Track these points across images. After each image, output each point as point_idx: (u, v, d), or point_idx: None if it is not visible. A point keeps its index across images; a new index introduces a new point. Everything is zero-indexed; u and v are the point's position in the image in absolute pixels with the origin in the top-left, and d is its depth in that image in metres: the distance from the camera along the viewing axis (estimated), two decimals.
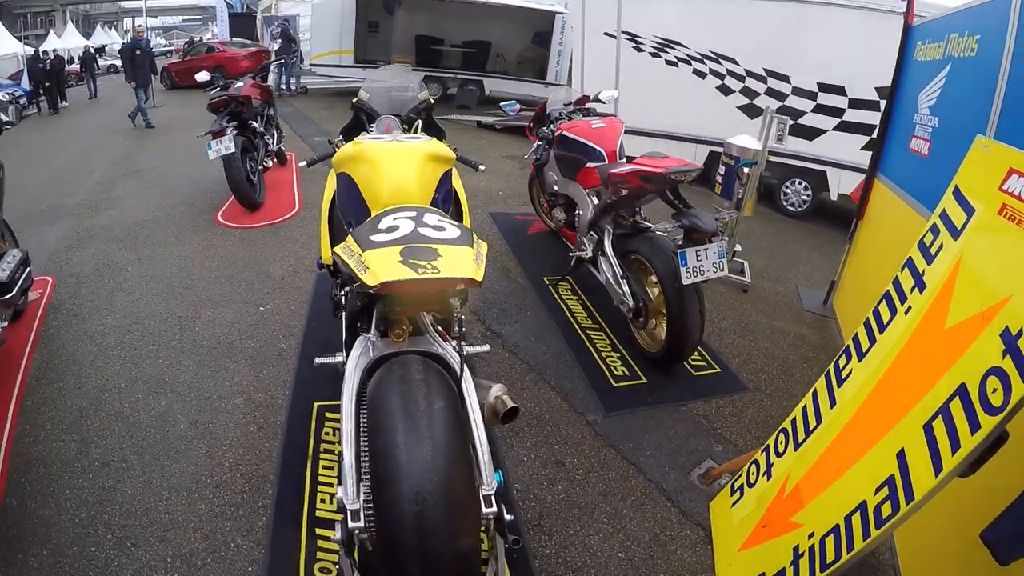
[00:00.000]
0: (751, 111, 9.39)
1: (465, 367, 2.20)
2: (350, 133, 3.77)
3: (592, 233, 4.90)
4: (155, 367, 4.33)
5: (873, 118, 8.00)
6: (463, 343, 2.18)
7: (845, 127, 8.79)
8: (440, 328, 2.56)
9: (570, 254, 5.23)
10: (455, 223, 2.19)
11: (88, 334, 4.77)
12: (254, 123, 7.79)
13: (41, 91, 20.18)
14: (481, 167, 3.65)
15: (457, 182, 3.49)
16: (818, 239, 8.34)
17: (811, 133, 9.11)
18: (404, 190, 2.62)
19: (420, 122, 3.69)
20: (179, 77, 20.91)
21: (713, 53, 9.69)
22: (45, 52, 22.95)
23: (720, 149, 9.38)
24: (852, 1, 8.49)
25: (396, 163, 2.69)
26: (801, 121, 9.05)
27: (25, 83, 21.39)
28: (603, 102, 5.92)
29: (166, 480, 3.27)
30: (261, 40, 23.75)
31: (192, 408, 3.89)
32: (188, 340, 4.68)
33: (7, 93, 19.18)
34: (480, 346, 2.67)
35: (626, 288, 4.41)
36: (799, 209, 9.66)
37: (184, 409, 3.88)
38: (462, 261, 1.96)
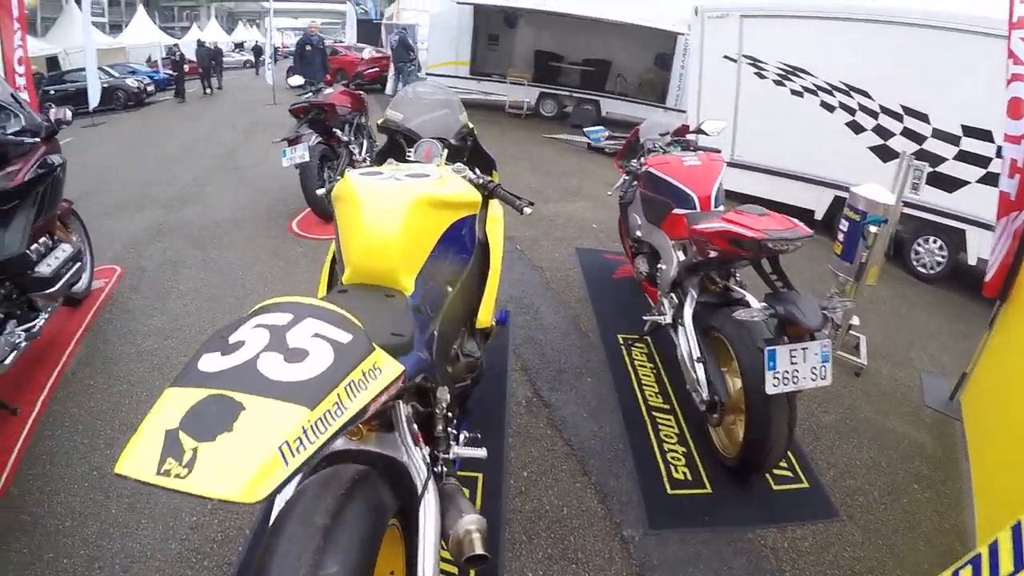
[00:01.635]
0: (883, 153, 8.29)
1: (431, 485, 1.67)
2: (385, 158, 3.27)
3: (673, 295, 4.18)
4: None
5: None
6: (447, 445, 1.72)
7: (991, 180, 7.44)
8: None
9: (646, 317, 4.44)
10: (340, 337, 1.37)
11: (132, 333, 4.73)
12: (339, 131, 7.49)
13: (175, 80, 22.64)
14: (527, 209, 2.70)
15: (493, 229, 3.01)
16: (952, 310, 7.08)
17: (951, 184, 7.76)
18: (379, 250, 2.04)
19: (463, 148, 3.27)
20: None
21: (844, 84, 8.60)
22: (203, 41, 26.12)
23: (846, 195, 8.38)
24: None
25: (378, 212, 2.08)
26: (940, 169, 7.75)
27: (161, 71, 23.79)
28: (707, 134, 5.08)
29: (149, 508, 3.10)
30: (384, 47, 24.05)
31: None
32: None
33: (138, 80, 21.02)
34: (473, 449, 2.13)
35: (701, 374, 3.57)
36: (932, 272, 8.21)
37: None
38: (239, 458, 1.06)
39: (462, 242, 2.53)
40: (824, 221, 8.78)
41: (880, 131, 8.33)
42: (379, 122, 3.36)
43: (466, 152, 3.28)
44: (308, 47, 13.71)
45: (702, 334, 3.69)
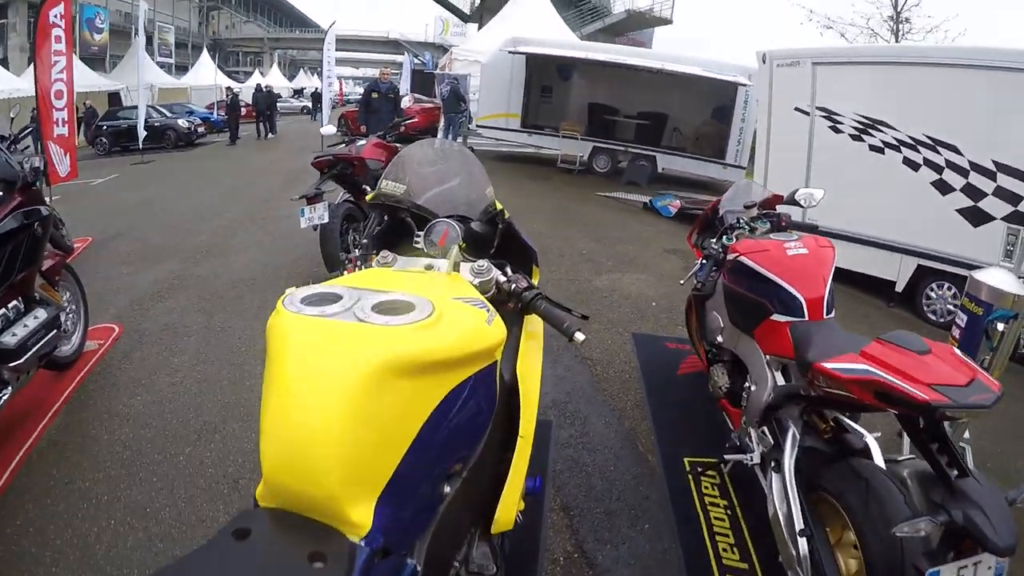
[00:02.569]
0: (974, 216, 7.22)
1: None
2: (381, 245, 2.42)
3: (765, 429, 3.22)
4: (141, 493, 3.45)
5: None
6: None
7: None
8: None
9: (728, 457, 3.47)
10: None
11: (110, 414, 4.15)
12: (369, 188, 6.61)
13: (228, 123, 23.18)
14: (579, 335, 1.87)
15: (526, 365, 2.15)
16: None
17: None
18: (304, 462, 1.19)
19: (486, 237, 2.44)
20: (354, 125, 21.10)
21: (930, 139, 7.57)
22: (261, 86, 26.35)
23: (931, 263, 7.69)
24: None
25: (306, 388, 1.24)
26: None
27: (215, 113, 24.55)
28: (801, 205, 4.08)
29: None
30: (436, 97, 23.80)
31: (158, 563, 2.92)
32: (194, 462, 3.70)
33: (189, 121, 21.71)
34: None
35: (803, 549, 2.56)
36: None
37: (145, 561, 2.95)
38: None
39: (472, 408, 1.63)
40: (904, 293, 7.89)
41: (970, 191, 7.27)
42: (368, 197, 2.55)
43: (495, 240, 2.41)
44: (375, 94, 12.23)
45: (805, 490, 2.72)
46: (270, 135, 24.65)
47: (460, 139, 18.29)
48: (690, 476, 3.80)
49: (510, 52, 15.66)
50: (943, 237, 7.45)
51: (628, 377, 5.03)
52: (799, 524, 2.57)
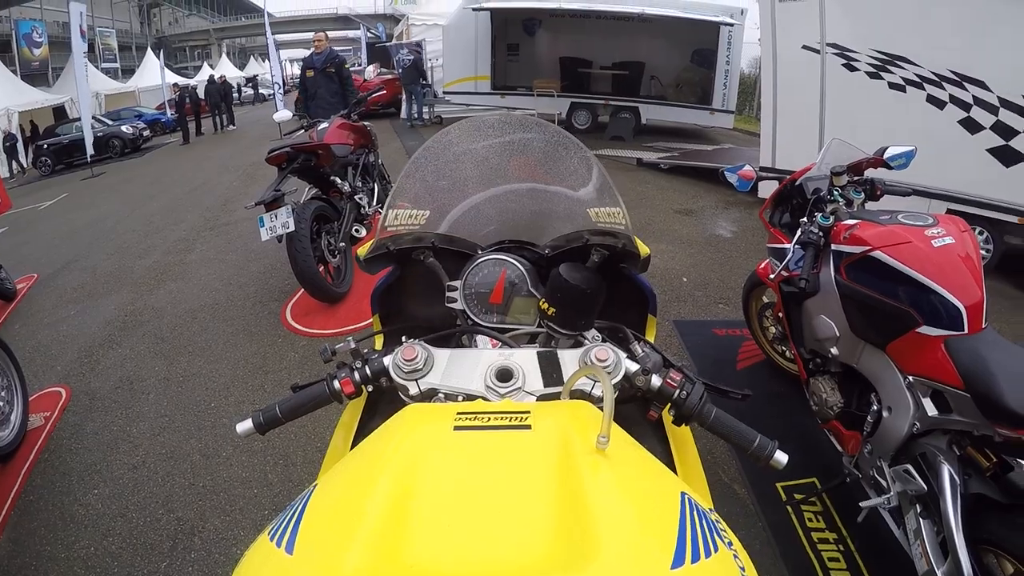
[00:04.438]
0: (1005, 156, 6.72)
1: None
2: (395, 307, 1.75)
3: (909, 466, 2.51)
4: None
5: None
6: None
7: None
8: None
9: (863, 504, 2.72)
10: None
11: (65, 520, 3.29)
12: (339, 179, 5.73)
13: (179, 121, 22.35)
14: (781, 457, 1.24)
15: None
16: None
17: None
18: None
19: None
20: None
21: (955, 74, 6.95)
22: (214, 77, 25.75)
23: (961, 207, 7.11)
24: None
25: None
26: None
27: (168, 112, 23.76)
28: (891, 166, 3.26)
29: None
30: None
31: None
32: None
33: (132, 126, 20.92)
34: None
35: None
36: None
37: None
38: None
39: None
40: None
41: (1001, 129, 6.73)
42: (360, 253, 1.64)
43: (600, 297, 1.45)
44: (310, 72, 9.55)
45: (976, 544, 2.11)
46: (229, 127, 23.63)
47: (427, 109, 17.39)
48: (789, 508, 3.16)
49: (474, 9, 14.69)
50: (973, 179, 6.94)
51: None
52: None
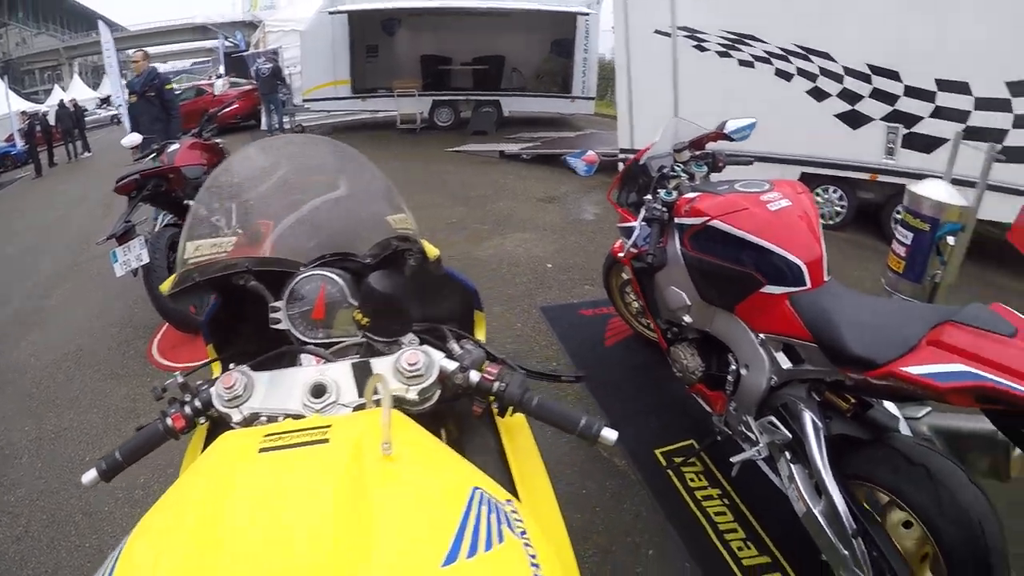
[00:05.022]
0: (852, 120, 7.38)
1: None
2: (223, 336, 1.73)
3: (772, 418, 2.66)
4: None
5: (1003, 121, 6.23)
6: None
7: (971, 134, 6.52)
8: None
9: (734, 459, 2.89)
10: None
11: None
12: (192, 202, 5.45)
13: (30, 152, 20.25)
14: (608, 434, 1.22)
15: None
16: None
17: (929, 144, 6.90)
18: None
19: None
20: None
21: (801, 48, 7.50)
22: (64, 102, 23.29)
23: (815, 169, 7.79)
24: None
25: None
26: (915, 129, 6.99)
27: (18, 143, 21.81)
28: (732, 139, 3.38)
29: None
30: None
31: None
32: None
33: None
34: None
35: (860, 549, 2.18)
36: None
37: None
38: None
39: None
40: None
41: (846, 95, 7.42)
42: (163, 288, 1.61)
43: (413, 297, 1.55)
44: (133, 97, 8.67)
45: (839, 480, 2.29)
46: (85, 154, 21.81)
47: (287, 119, 16.93)
48: (670, 473, 3.30)
49: (330, 13, 14.37)
50: (824, 143, 7.56)
51: (556, 365, 4.35)
52: (850, 524, 2.20)
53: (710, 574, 2.73)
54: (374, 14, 15.30)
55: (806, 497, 2.38)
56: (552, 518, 1.39)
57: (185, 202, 5.29)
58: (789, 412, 2.53)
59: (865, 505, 2.32)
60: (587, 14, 13.68)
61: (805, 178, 7.70)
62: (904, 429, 2.39)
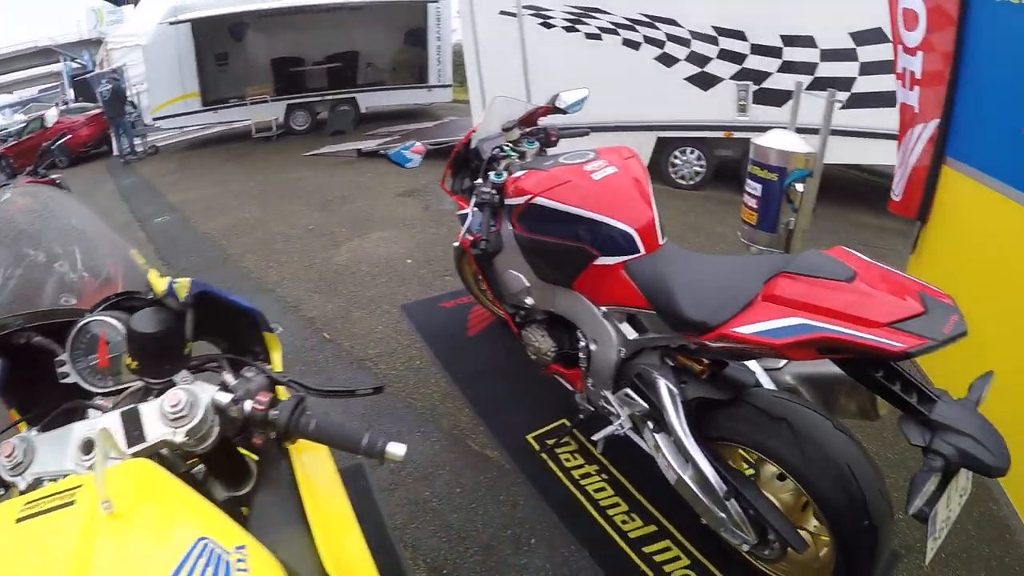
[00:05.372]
0: (703, 81, 7.60)
1: None
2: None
3: (628, 391, 2.56)
4: None
5: (850, 70, 6.62)
6: None
7: (819, 85, 6.72)
8: None
9: (595, 437, 2.83)
10: None
11: None
12: None
13: None
14: (394, 449, 1.12)
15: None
16: (817, 225, 5.98)
17: (779, 98, 7.11)
18: None
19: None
20: (18, 161, 17.71)
21: (646, 16, 7.63)
22: None
23: (669, 133, 8.01)
24: None
25: None
26: (765, 85, 7.33)
27: None
28: (565, 111, 3.27)
29: None
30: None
31: None
32: None
33: None
34: None
35: (735, 509, 2.13)
36: None
37: None
38: None
39: None
40: (651, 167, 7.88)
41: (695, 59, 7.66)
42: None
43: (204, 330, 1.48)
44: None
45: (705, 444, 2.24)
46: None
47: (138, 140, 15.91)
48: (544, 455, 3.20)
49: (171, 23, 13.55)
50: (677, 107, 7.77)
51: (420, 365, 4.17)
52: (720, 487, 2.15)
53: (597, 553, 2.65)
54: (218, 20, 14.46)
55: (674, 465, 2.31)
56: (350, 546, 1.32)
57: None
58: (644, 381, 2.44)
59: (736, 464, 2.33)
60: (437, 1, 13.58)
61: (662, 142, 8.00)
62: (767, 382, 2.34)
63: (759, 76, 7.28)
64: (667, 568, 2.54)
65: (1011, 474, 2.69)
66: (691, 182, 8.07)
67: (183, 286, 1.38)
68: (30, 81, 54.55)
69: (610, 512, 2.83)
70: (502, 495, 3.01)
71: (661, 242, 2.54)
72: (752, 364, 2.37)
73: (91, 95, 24.29)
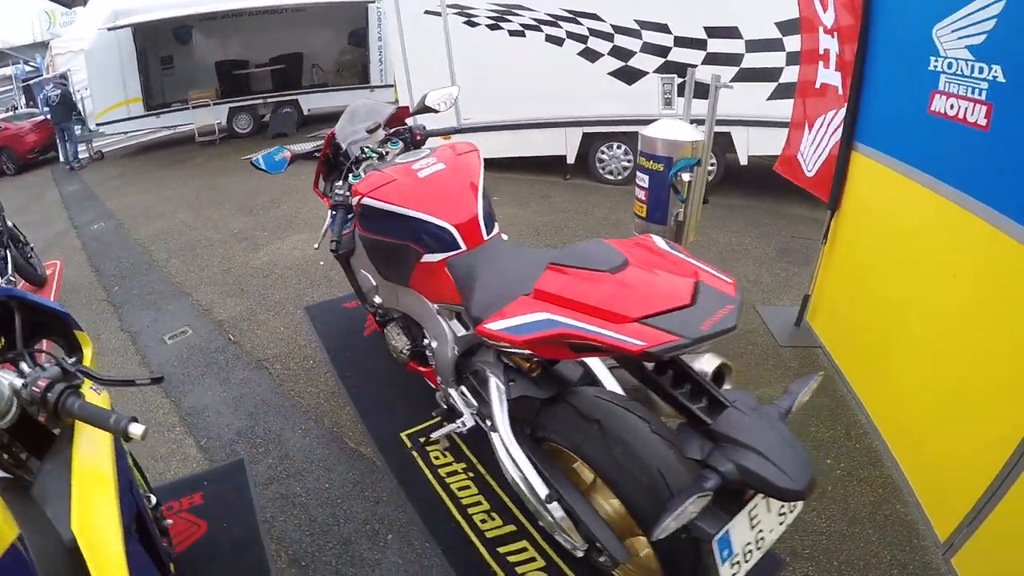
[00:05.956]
0: (627, 75, 7.61)
1: None
2: None
3: (463, 388, 2.64)
4: None
5: (776, 60, 6.63)
6: None
7: (745, 76, 6.93)
8: None
9: (435, 435, 2.86)
10: None
11: None
12: None
13: None
14: (135, 429, 1.29)
15: (95, 529, 1.40)
16: (746, 218, 6.32)
17: (706, 90, 7.02)
18: None
19: None
20: None
21: (568, 12, 7.64)
22: None
23: (595, 128, 8.05)
24: None
25: None
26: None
27: None
28: (435, 110, 3.26)
29: None
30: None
31: None
32: None
33: None
34: None
35: (558, 513, 2.07)
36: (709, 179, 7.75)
37: None
38: None
39: None
40: (578, 162, 8.25)
41: (618, 53, 7.64)
42: None
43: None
44: None
45: (534, 444, 2.24)
46: None
47: (83, 147, 15.63)
48: (415, 454, 3.25)
49: (109, 29, 13.29)
50: (602, 101, 7.74)
51: (313, 364, 4.26)
52: (541, 490, 2.09)
53: (450, 550, 2.69)
54: (159, 25, 14.23)
55: (504, 465, 2.25)
56: (99, 508, 1.42)
57: None
58: (479, 379, 2.49)
59: (580, 467, 2.26)
60: (375, 2, 13.47)
61: (589, 137, 8.03)
62: (610, 381, 2.28)
63: (684, 69, 7.14)
64: (520, 569, 2.57)
65: (921, 473, 2.77)
66: (619, 177, 8.09)
67: None
68: None
69: (471, 511, 2.88)
70: (367, 491, 3.08)
71: (487, 237, 2.56)
72: (594, 362, 2.34)
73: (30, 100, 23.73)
